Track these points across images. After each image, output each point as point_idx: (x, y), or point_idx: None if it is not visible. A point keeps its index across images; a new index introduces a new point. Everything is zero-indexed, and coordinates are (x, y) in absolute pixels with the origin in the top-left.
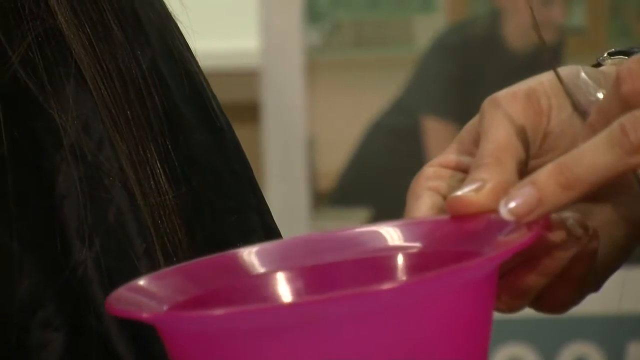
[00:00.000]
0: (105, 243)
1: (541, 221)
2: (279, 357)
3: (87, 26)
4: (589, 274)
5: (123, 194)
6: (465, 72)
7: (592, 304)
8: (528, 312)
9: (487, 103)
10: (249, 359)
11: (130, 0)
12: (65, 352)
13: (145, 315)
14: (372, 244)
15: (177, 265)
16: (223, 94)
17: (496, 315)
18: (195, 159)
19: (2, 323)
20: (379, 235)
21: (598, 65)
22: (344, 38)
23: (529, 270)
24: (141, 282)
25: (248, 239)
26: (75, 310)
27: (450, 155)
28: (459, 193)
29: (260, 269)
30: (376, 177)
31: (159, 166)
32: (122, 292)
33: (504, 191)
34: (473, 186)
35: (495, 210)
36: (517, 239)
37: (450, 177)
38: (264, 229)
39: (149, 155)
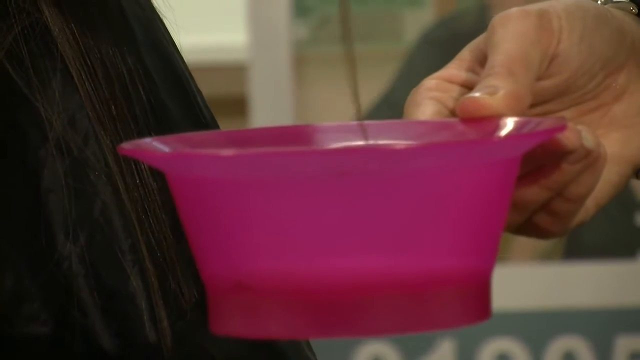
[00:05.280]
0: (91, 238)
1: (561, 122)
2: (285, 207)
3: (72, 21)
4: (584, 201)
5: (108, 189)
6: None
7: (580, 298)
8: (516, 306)
9: (497, 19)
10: (260, 207)
11: None
12: (50, 346)
13: (152, 154)
14: (388, 134)
15: (209, 132)
16: (211, 88)
17: None
18: None
19: None
20: (392, 126)
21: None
22: (332, 32)
23: (533, 181)
24: (168, 137)
25: None
26: (61, 305)
27: (453, 71)
28: (474, 94)
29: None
30: None
31: None
32: (141, 141)
33: (517, 101)
34: (486, 90)
35: (507, 116)
36: (544, 128)
37: (454, 91)
38: None
39: None
